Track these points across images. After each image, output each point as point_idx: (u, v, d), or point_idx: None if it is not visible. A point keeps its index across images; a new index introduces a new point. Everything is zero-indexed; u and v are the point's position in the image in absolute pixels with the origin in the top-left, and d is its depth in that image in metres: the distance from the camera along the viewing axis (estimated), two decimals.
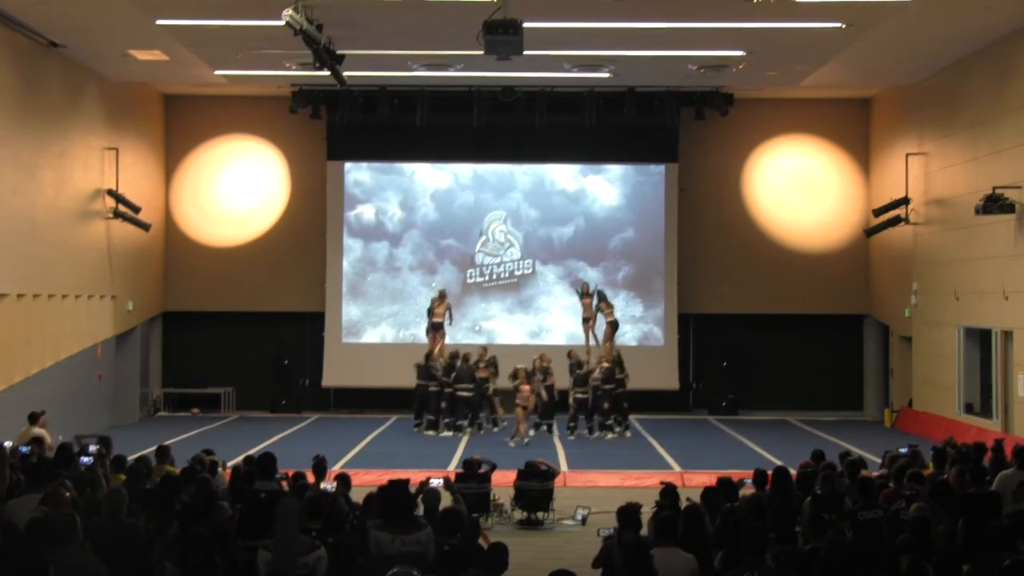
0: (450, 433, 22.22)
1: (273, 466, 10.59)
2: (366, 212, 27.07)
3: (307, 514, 8.94)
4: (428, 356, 22.90)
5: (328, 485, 11.00)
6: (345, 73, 19.35)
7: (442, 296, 23.75)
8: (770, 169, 27.46)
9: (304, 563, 7.68)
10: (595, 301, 23.33)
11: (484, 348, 23.47)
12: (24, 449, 11.82)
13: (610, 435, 22.00)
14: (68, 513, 7.40)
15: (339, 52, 17.92)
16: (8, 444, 12.73)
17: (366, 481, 14.78)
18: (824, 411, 26.59)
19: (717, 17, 18.06)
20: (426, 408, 22.70)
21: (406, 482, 9.23)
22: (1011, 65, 19.66)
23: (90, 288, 22.54)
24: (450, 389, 22.40)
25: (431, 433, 22.36)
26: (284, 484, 11.05)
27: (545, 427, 22.28)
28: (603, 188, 27.10)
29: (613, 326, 22.87)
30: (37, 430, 14.54)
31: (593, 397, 22.02)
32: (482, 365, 22.69)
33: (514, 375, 22.08)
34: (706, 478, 14.18)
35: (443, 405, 22.51)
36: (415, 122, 25.38)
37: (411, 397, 23.17)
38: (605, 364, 22.16)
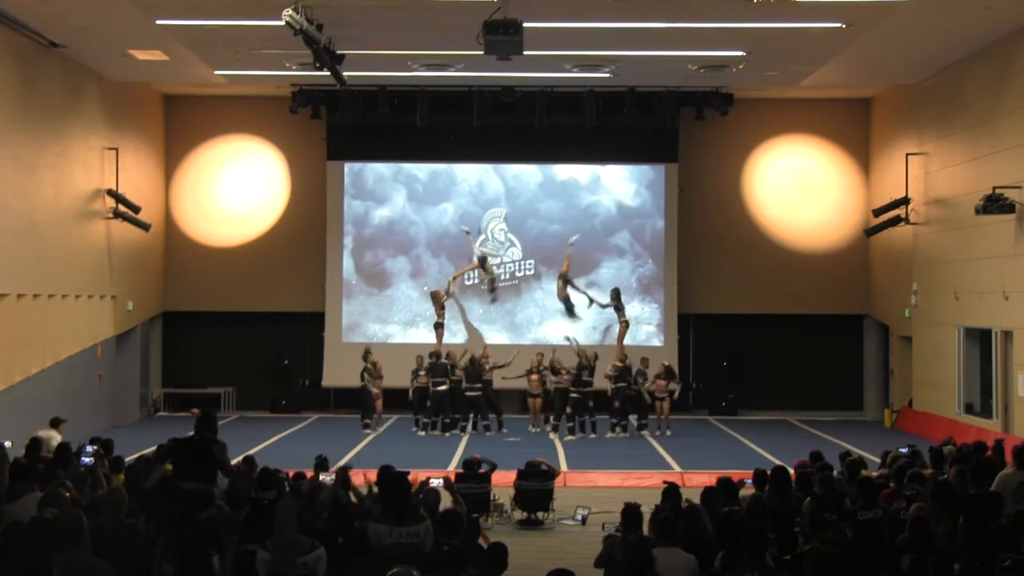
0: (439, 432, 22.26)
1: (272, 482, 10.32)
2: (366, 212, 27.07)
3: (307, 510, 8.95)
4: (437, 355, 22.86)
5: (327, 476, 11.01)
6: (345, 73, 19.35)
7: (433, 296, 23.91)
8: (770, 169, 27.46)
9: (303, 563, 7.68)
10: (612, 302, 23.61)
11: (486, 346, 23.54)
12: (6, 444, 11.68)
13: (610, 434, 22.15)
14: (75, 514, 7.41)
15: (339, 52, 17.93)
16: (8, 444, 12.73)
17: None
18: (824, 411, 26.59)
19: (717, 17, 18.05)
20: (441, 409, 22.68)
21: (405, 474, 9.26)
22: (1011, 65, 19.66)
23: (90, 288, 22.54)
24: (445, 388, 22.48)
25: (436, 434, 22.38)
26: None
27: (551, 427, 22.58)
28: (603, 188, 27.08)
29: (626, 325, 23.45)
30: (52, 433, 14.48)
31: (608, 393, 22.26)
32: (488, 367, 22.72)
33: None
34: (706, 478, 14.18)
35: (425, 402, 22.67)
36: (415, 122, 25.36)
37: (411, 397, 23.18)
38: (618, 363, 22.28)
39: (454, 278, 24.66)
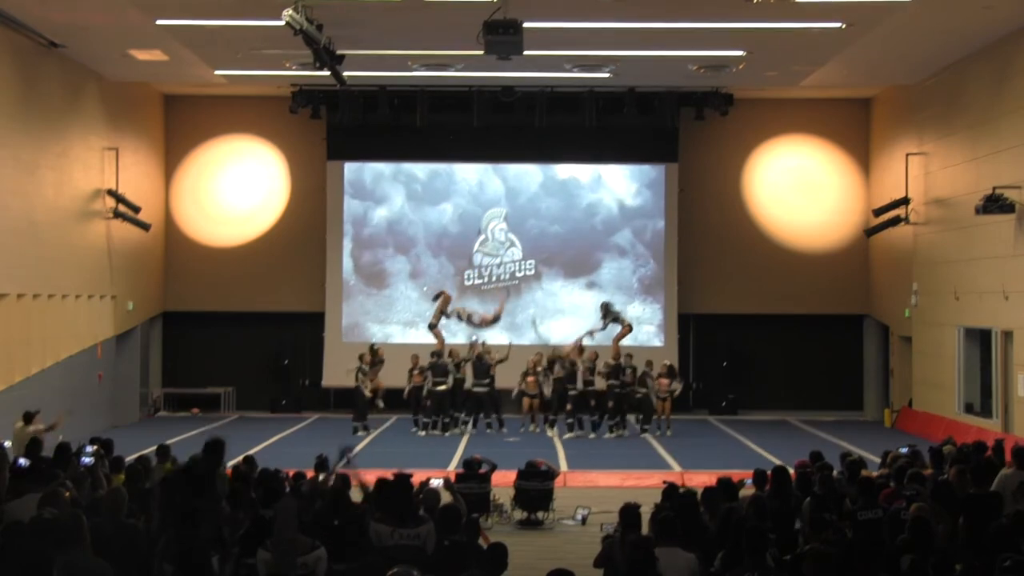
0: (439, 432, 22.26)
1: (273, 498, 10.21)
2: (366, 212, 27.07)
3: (307, 509, 8.94)
4: (438, 354, 22.82)
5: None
6: (345, 73, 19.35)
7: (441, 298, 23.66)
8: (770, 169, 27.46)
9: (303, 563, 7.68)
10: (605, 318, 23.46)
11: (483, 343, 23.40)
12: (22, 462, 11.69)
13: (608, 434, 22.20)
14: (75, 514, 7.41)
15: (339, 52, 17.93)
16: (8, 444, 12.73)
17: (366, 481, 14.76)
18: (824, 411, 26.59)
19: (717, 17, 18.05)
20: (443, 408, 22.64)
21: (409, 476, 9.23)
22: (1011, 65, 19.66)
23: (90, 288, 22.54)
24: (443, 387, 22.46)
25: (436, 433, 22.36)
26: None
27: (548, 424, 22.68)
28: (604, 188, 27.08)
29: (629, 328, 23.27)
30: (32, 428, 14.58)
31: (596, 392, 22.23)
32: (493, 363, 22.71)
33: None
34: (706, 478, 14.17)
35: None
36: (415, 122, 25.39)
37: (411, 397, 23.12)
38: (611, 360, 22.31)
39: (461, 312, 24.09)
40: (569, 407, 22.18)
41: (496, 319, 23.96)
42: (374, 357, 22.93)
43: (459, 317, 23.69)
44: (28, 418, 15.07)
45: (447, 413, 22.56)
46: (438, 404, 22.46)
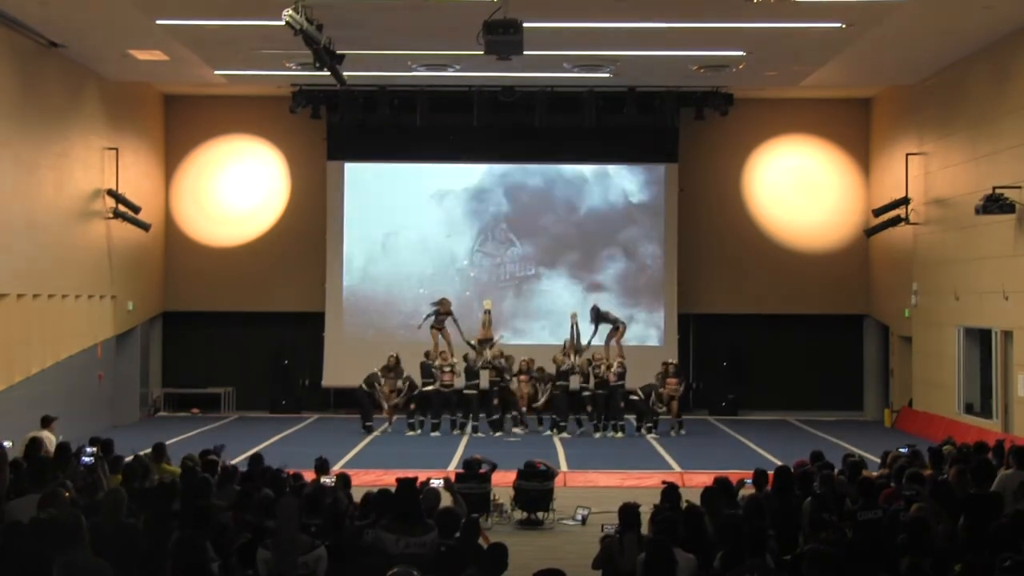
0: (436, 433, 22.27)
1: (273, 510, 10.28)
2: (366, 212, 27.05)
3: (305, 511, 8.93)
4: (427, 354, 22.91)
5: (328, 479, 11.00)
6: (345, 73, 19.34)
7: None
8: (770, 169, 27.46)
9: (304, 562, 7.68)
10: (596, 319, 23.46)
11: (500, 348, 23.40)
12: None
13: (614, 434, 22.29)
14: (74, 514, 7.41)
15: (339, 52, 17.92)
16: (8, 444, 12.74)
17: (366, 481, 14.80)
18: (824, 411, 26.58)
19: (717, 17, 18.07)
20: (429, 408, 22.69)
21: (414, 480, 9.20)
22: (1011, 65, 19.66)
23: (90, 288, 22.54)
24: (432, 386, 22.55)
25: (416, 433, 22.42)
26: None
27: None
28: (603, 188, 27.08)
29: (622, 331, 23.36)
30: (44, 433, 14.56)
31: (609, 394, 22.34)
32: (477, 366, 22.70)
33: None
34: (706, 478, 14.16)
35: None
36: (415, 122, 25.38)
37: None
38: (622, 359, 22.38)
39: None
40: (590, 408, 22.40)
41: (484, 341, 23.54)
42: (388, 364, 22.93)
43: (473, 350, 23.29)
44: (46, 422, 15.08)
45: (436, 414, 22.57)
46: (422, 404, 22.58)
